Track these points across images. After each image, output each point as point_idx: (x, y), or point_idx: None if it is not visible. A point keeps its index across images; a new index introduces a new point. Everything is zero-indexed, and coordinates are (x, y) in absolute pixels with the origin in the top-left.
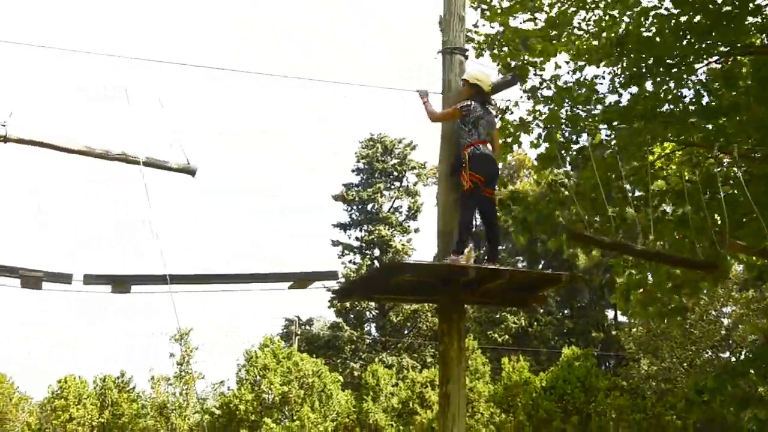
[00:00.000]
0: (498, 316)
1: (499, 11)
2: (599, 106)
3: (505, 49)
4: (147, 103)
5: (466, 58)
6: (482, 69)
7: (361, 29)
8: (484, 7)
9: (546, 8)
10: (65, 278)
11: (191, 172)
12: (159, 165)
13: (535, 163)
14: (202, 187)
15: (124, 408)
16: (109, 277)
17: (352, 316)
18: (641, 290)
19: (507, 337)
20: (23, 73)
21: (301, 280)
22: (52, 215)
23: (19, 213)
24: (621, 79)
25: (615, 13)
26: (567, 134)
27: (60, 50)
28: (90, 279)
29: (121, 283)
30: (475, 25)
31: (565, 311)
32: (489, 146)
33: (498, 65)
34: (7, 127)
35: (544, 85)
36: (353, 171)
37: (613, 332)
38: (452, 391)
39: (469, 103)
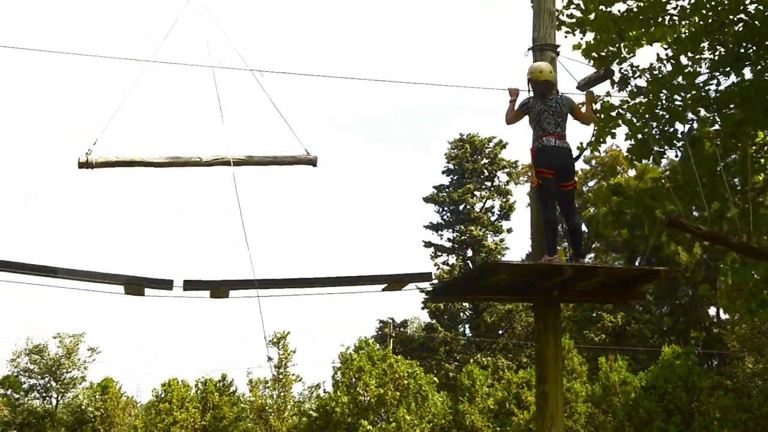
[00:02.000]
0: (594, 314)
1: (590, 3)
2: (697, 92)
3: (598, 38)
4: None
5: (557, 54)
6: (538, 63)
7: (450, 26)
8: (578, 1)
9: None
10: (166, 284)
11: (312, 162)
12: (279, 161)
13: (627, 156)
14: (293, 187)
15: (225, 411)
16: (208, 282)
17: (446, 317)
18: (738, 290)
19: (604, 336)
20: (107, 91)
21: (396, 282)
22: (152, 224)
23: (120, 223)
24: (720, 65)
25: None
26: (664, 125)
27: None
28: (190, 285)
29: (218, 289)
30: (566, 7)
31: (664, 309)
32: (556, 139)
33: (590, 61)
34: (91, 155)
35: (638, 74)
36: (443, 172)
37: (715, 330)
38: (550, 390)
39: (526, 100)
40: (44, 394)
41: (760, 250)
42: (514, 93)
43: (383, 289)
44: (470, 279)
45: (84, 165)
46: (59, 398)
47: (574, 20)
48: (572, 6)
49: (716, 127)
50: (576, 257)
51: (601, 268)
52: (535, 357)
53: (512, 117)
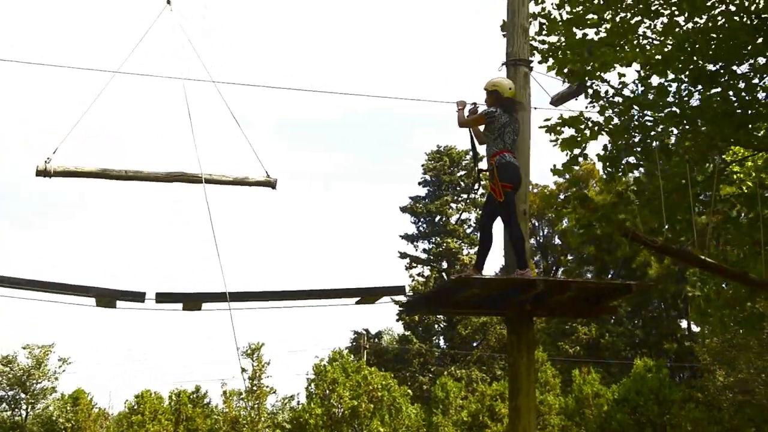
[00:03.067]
0: (568, 327)
1: (560, 23)
2: (667, 110)
3: (568, 56)
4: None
5: (531, 69)
6: (502, 76)
7: (418, 41)
8: (543, 21)
9: (608, 17)
10: (138, 297)
11: (272, 185)
12: (239, 181)
13: (601, 171)
14: (265, 202)
15: (198, 423)
16: (180, 295)
17: (420, 329)
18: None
19: (578, 348)
20: (67, 99)
21: (369, 295)
22: (124, 237)
23: (92, 236)
24: (687, 83)
25: (680, 20)
26: (636, 140)
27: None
28: (162, 297)
29: (191, 301)
30: (538, 33)
31: (636, 322)
32: (511, 156)
33: (562, 78)
34: (50, 163)
35: (611, 92)
36: (420, 183)
37: (687, 343)
38: (522, 404)
39: (494, 110)
40: (13, 406)
41: (720, 267)
42: (462, 104)
43: (357, 302)
44: (444, 292)
45: (42, 173)
46: (29, 409)
47: (546, 46)
48: (543, 33)
49: (686, 144)
50: (519, 269)
51: (573, 282)
52: (508, 370)
53: (472, 121)
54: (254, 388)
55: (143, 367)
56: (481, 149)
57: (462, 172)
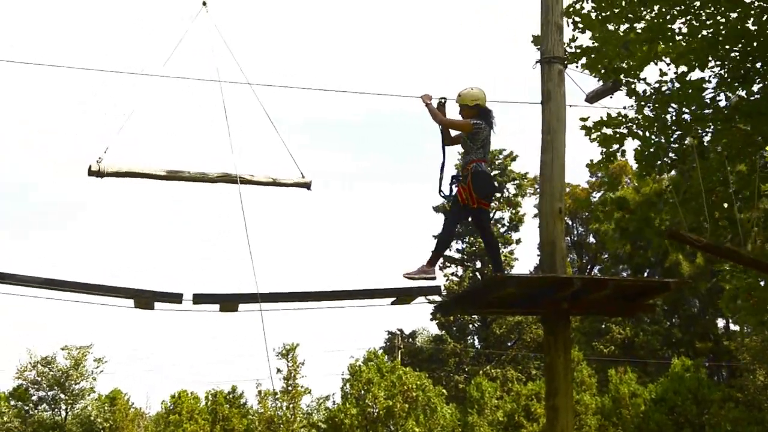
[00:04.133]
0: (603, 326)
1: (593, 21)
2: (704, 106)
3: (603, 53)
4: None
5: (565, 67)
6: (478, 87)
7: (452, 41)
8: (577, 18)
9: (644, 14)
10: (176, 298)
11: (307, 186)
12: (275, 182)
13: (636, 169)
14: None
15: (234, 423)
16: (217, 296)
17: (454, 328)
18: (752, 300)
19: (613, 347)
20: (116, 102)
21: (404, 296)
22: (162, 238)
23: (132, 237)
24: (727, 79)
25: (713, 14)
26: (672, 138)
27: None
28: (199, 299)
29: (228, 303)
30: (573, 39)
31: (673, 320)
32: (486, 165)
33: (596, 75)
34: (102, 163)
35: (647, 89)
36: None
37: (725, 342)
38: (560, 404)
39: (481, 122)
40: (53, 406)
41: (760, 263)
42: (428, 98)
43: (392, 303)
44: (479, 292)
45: (95, 173)
46: (68, 410)
47: (579, 43)
48: (577, 30)
49: (723, 141)
50: (498, 271)
51: (610, 280)
52: (545, 370)
53: (455, 124)
54: (289, 388)
55: (181, 368)
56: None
57: (495, 172)
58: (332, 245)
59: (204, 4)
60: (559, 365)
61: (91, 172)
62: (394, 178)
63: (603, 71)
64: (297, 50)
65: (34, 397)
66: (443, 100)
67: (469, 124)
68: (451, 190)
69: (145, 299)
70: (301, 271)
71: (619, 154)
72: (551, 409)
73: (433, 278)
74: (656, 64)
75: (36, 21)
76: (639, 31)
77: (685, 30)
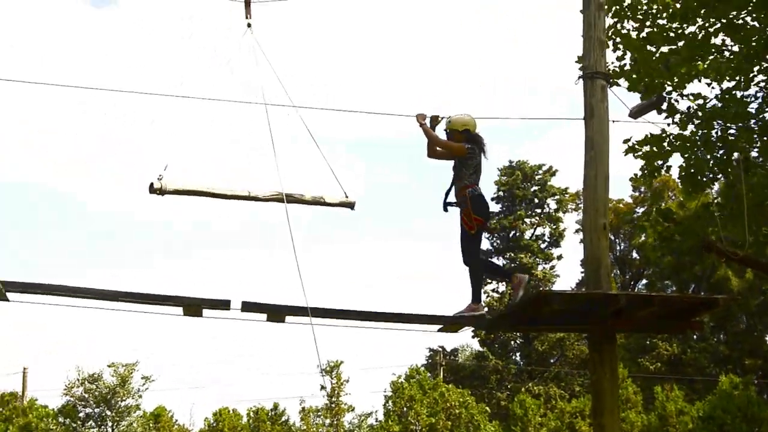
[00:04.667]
0: (648, 342)
1: (634, 41)
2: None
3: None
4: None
5: (608, 83)
6: (465, 113)
7: (497, 57)
8: (618, 39)
9: (685, 32)
10: (224, 305)
11: (350, 206)
12: (318, 201)
13: (680, 184)
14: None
15: None
16: (265, 306)
17: (496, 345)
18: None
19: (659, 364)
20: (174, 122)
21: (452, 324)
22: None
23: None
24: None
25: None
26: (718, 154)
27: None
28: (247, 307)
29: (276, 313)
30: (619, 59)
31: (720, 337)
32: (479, 188)
33: (639, 93)
34: (163, 180)
35: (691, 106)
36: (493, 199)
37: None
38: (607, 422)
39: (473, 147)
40: (100, 423)
41: None
42: (423, 117)
43: (439, 330)
44: (523, 310)
45: (156, 191)
46: (114, 427)
47: (619, 70)
48: (618, 50)
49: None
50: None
51: (657, 296)
52: (591, 388)
53: (451, 147)
54: (332, 405)
55: (222, 384)
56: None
57: (535, 187)
58: (383, 264)
59: (249, 25)
60: (606, 383)
61: (152, 190)
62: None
63: (644, 91)
64: (341, 67)
65: (82, 414)
66: (437, 118)
67: (464, 148)
68: (445, 209)
69: (193, 306)
70: (347, 288)
71: (663, 170)
72: (598, 426)
73: (483, 314)
74: (700, 81)
75: (81, 42)
76: (679, 48)
77: (728, 41)
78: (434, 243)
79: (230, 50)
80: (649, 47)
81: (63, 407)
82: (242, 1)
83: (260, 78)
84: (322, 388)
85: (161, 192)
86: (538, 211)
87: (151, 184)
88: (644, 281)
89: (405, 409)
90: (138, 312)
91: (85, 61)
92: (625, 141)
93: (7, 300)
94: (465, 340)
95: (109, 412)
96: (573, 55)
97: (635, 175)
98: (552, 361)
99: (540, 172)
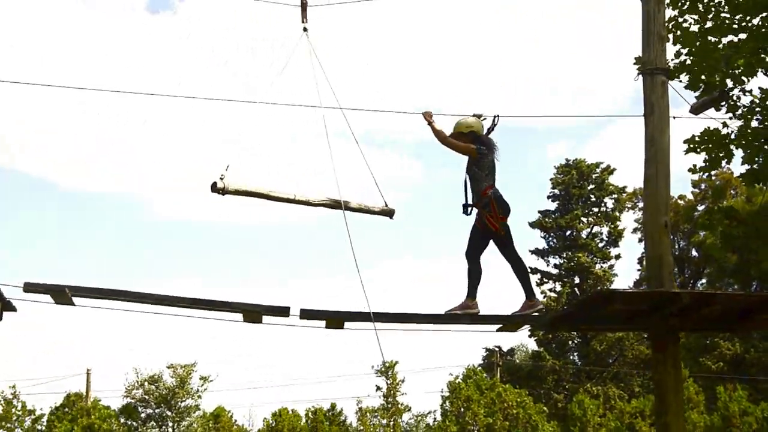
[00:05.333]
0: (708, 342)
1: (693, 34)
2: None
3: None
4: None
5: (669, 78)
6: (467, 116)
7: (552, 57)
8: (678, 32)
9: (747, 24)
10: (283, 312)
11: (390, 214)
12: (362, 209)
13: (741, 180)
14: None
15: None
16: (324, 312)
17: (553, 345)
18: None
19: (721, 364)
20: (238, 124)
21: (512, 324)
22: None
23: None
24: None
25: None
26: None
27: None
28: (306, 314)
29: (335, 319)
30: (677, 55)
31: None
32: (498, 190)
33: (698, 90)
34: (225, 180)
35: (753, 100)
36: (548, 197)
37: None
38: (672, 422)
39: (483, 148)
40: (160, 423)
41: None
42: (430, 115)
43: (498, 330)
44: (583, 309)
45: (219, 190)
46: (175, 427)
47: (679, 65)
48: (678, 45)
49: None
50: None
51: (721, 295)
52: (654, 388)
53: (459, 146)
54: (389, 405)
55: (280, 384)
56: None
57: (592, 186)
58: (439, 266)
59: (305, 29)
60: (669, 383)
61: (215, 189)
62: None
63: (704, 87)
64: (394, 68)
65: (143, 415)
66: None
67: (474, 149)
68: (466, 211)
69: (253, 313)
70: (407, 288)
71: (724, 162)
72: (662, 426)
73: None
74: (765, 74)
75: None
76: (741, 41)
77: None
78: None
79: (286, 54)
80: (710, 38)
81: (124, 408)
82: (298, 6)
83: (316, 82)
84: (378, 388)
85: (223, 192)
86: (595, 210)
87: (214, 184)
88: (703, 280)
89: (462, 409)
90: (197, 318)
91: (145, 65)
92: (686, 141)
93: (74, 305)
94: (522, 340)
95: (169, 413)
96: (594, 54)
97: (694, 165)
98: (610, 361)
99: (597, 170)
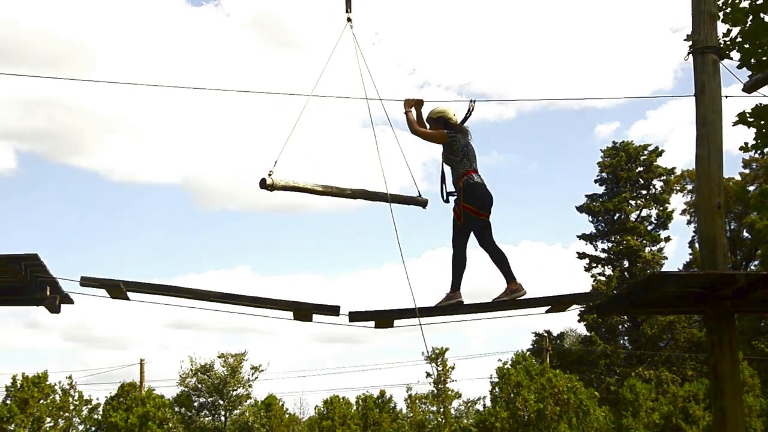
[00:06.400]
0: (762, 324)
1: (745, 11)
2: None
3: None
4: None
5: (720, 57)
6: (441, 103)
7: (597, 37)
8: (728, 10)
9: None
10: (333, 311)
11: (423, 204)
12: (396, 199)
13: None
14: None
15: (385, 427)
16: (372, 313)
17: (603, 329)
18: None
19: None
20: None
21: (559, 304)
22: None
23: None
24: None
25: None
26: None
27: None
28: (355, 316)
29: (384, 319)
30: (726, 33)
31: None
32: (477, 175)
33: (748, 67)
34: (273, 176)
35: None
36: (596, 181)
37: None
38: (728, 405)
39: (454, 132)
40: (213, 412)
41: None
42: (409, 104)
43: (546, 311)
44: (636, 292)
45: (267, 186)
46: (227, 415)
47: (730, 43)
48: (728, 23)
49: None
50: (511, 283)
51: None
52: (709, 371)
53: (430, 135)
54: (439, 392)
55: (332, 371)
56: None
57: (640, 168)
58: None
59: (349, 20)
60: (725, 366)
61: (263, 185)
62: (540, 178)
63: (756, 64)
64: (472, 53)
65: (196, 404)
66: (420, 102)
67: (444, 134)
68: (444, 198)
69: (304, 311)
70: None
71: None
72: (719, 410)
73: (461, 302)
74: None
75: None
76: None
77: None
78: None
79: (330, 45)
80: (762, 16)
81: (178, 396)
82: None
83: (360, 73)
84: (428, 375)
85: (271, 188)
86: (644, 192)
87: (263, 180)
88: (756, 261)
89: (512, 395)
90: (254, 315)
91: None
92: (738, 115)
93: (128, 299)
94: (571, 324)
95: (221, 401)
96: (641, 33)
97: (746, 143)
98: (662, 345)
99: (645, 152)
